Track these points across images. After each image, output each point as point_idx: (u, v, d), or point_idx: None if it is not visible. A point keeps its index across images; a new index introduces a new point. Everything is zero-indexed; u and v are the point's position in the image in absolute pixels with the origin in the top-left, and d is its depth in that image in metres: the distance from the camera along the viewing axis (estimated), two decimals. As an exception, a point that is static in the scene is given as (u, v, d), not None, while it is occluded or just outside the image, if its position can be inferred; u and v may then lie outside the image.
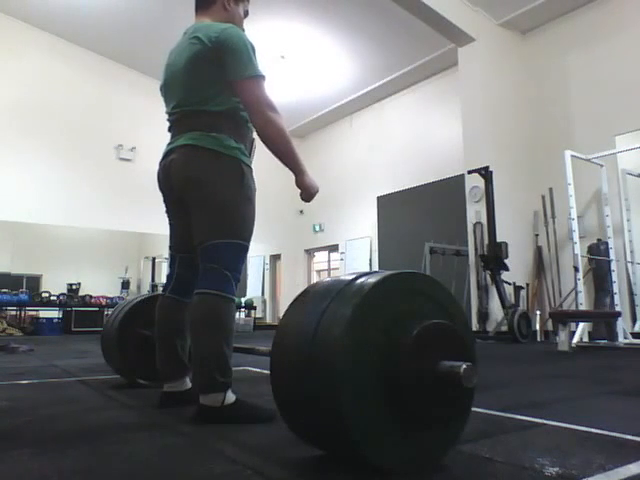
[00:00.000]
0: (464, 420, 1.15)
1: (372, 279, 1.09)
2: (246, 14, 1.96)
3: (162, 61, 1.91)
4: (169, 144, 1.81)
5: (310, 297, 1.17)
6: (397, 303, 1.08)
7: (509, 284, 6.13)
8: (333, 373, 0.98)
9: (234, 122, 1.74)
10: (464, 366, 1.01)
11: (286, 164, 1.72)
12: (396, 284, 1.11)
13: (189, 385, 1.84)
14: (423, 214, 8.57)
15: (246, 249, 1.72)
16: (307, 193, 1.75)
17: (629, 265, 5.88)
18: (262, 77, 1.68)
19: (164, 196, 1.88)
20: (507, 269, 5.85)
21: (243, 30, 1.81)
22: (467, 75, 7.06)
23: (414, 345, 1.04)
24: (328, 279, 1.22)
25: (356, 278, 1.12)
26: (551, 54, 6.92)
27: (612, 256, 5.55)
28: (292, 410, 1.13)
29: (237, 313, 10.05)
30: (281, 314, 1.32)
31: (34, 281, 11.25)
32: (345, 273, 1.24)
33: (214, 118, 1.71)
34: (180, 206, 1.79)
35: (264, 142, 1.68)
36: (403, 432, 1.04)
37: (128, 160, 9.25)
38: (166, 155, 1.80)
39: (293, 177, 1.86)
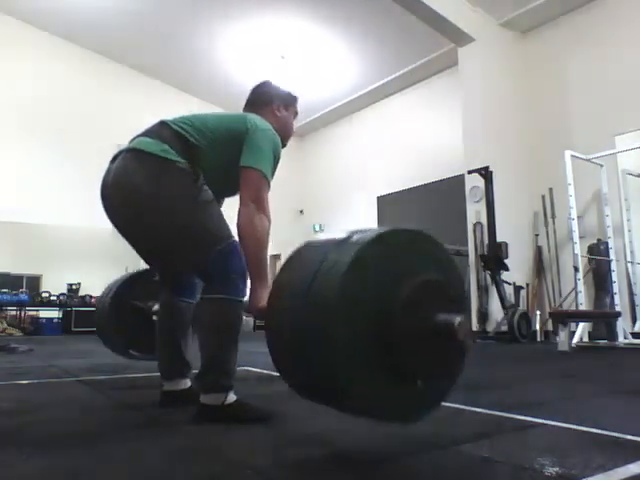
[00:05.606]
0: (457, 373, 1.17)
1: (367, 236, 1.08)
2: (296, 115, 2.00)
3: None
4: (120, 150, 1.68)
5: (304, 256, 1.16)
6: (394, 258, 1.08)
7: (509, 284, 6.12)
8: (328, 329, 0.98)
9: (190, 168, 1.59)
10: (459, 318, 1.02)
11: (250, 270, 1.59)
12: (392, 240, 1.10)
13: (189, 384, 1.84)
14: (423, 214, 8.56)
15: (234, 244, 1.62)
16: (252, 305, 1.59)
17: (629, 265, 5.87)
18: (268, 181, 1.63)
19: (108, 213, 1.70)
20: (507, 269, 5.85)
21: (285, 134, 1.86)
22: (467, 75, 7.06)
23: (410, 299, 1.04)
24: (322, 238, 1.22)
25: (351, 235, 1.11)
26: (551, 54, 6.92)
27: (612, 256, 5.54)
28: (289, 368, 1.13)
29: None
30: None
31: (34, 281, 11.23)
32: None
33: (181, 143, 1.61)
34: (133, 222, 1.65)
35: (239, 237, 1.58)
36: (397, 385, 1.05)
37: (128, 160, 9.25)
38: (112, 161, 1.69)
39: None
